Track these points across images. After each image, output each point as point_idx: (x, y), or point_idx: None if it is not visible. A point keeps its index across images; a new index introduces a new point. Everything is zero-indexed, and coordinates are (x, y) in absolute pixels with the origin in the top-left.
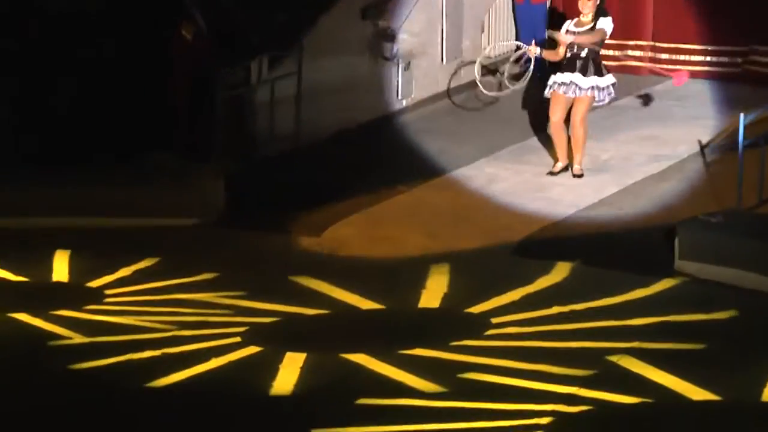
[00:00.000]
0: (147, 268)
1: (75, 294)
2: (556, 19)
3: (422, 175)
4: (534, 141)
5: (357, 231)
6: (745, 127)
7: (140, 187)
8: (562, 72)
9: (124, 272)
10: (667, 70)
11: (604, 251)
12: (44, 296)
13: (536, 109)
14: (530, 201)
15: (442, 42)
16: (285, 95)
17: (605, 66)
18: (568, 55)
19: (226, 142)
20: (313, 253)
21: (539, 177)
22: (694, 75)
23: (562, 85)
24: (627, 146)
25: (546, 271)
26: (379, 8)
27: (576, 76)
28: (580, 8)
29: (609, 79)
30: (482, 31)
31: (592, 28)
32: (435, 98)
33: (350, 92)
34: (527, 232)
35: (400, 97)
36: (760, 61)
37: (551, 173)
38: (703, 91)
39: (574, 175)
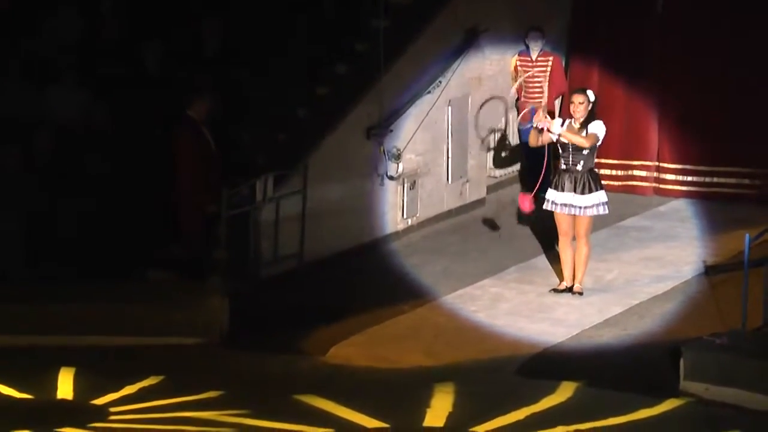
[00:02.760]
0: (152, 386)
1: (80, 411)
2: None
3: (426, 295)
4: (538, 261)
5: (361, 350)
6: (750, 248)
7: (145, 305)
8: (559, 189)
9: (128, 390)
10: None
11: (609, 371)
12: (49, 414)
13: (541, 229)
14: (534, 321)
15: (447, 161)
16: (290, 214)
17: (601, 181)
18: (563, 167)
19: (230, 261)
20: (318, 372)
21: (543, 297)
22: (696, 195)
23: (564, 206)
24: (631, 267)
25: (551, 390)
26: (383, 128)
27: (575, 198)
28: (572, 112)
29: (603, 195)
30: (487, 150)
31: (585, 133)
32: (439, 217)
33: (355, 211)
34: (531, 352)
35: (404, 217)
36: None
37: (555, 290)
38: (706, 211)
39: (574, 293)
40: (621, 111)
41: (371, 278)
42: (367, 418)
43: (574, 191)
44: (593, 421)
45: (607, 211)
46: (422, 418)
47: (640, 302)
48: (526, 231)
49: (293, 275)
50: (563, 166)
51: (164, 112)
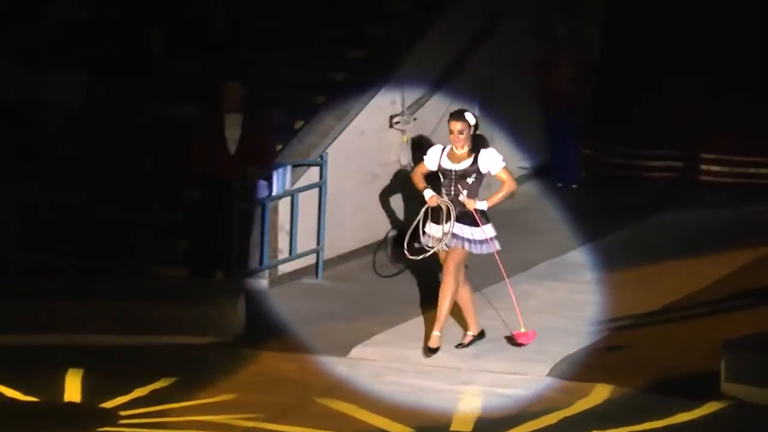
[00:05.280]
0: (163, 388)
1: (88, 415)
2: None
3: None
4: (570, 256)
5: (382, 350)
6: None
7: (155, 303)
8: (441, 222)
9: (139, 392)
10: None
11: (646, 373)
12: (55, 417)
13: (572, 216)
14: (566, 320)
15: None
16: (308, 207)
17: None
18: (443, 196)
19: (245, 256)
20: (337, 373)
21: (574, 294)
22: (736, 186)
23: (441, 241)
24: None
25: (584, 393)
26: (407, 116)
27: (457, 227)
28: (451, 141)
29: (490, 230)
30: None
31: (474, 162)
32: None
33: (375, 203)
34: (564, 353)
35: None
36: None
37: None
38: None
39: (459, 345)
40: (652, 100)
41: (394, 274)
42: (391, 422)
43: (461, 223)
44: (629, 425)
45: (496, 247)
46: (449, 423)
47: (676, 300)
48: (554, 224)
49: (311, 272)
50: (444, 196)
51: (171, 97)
